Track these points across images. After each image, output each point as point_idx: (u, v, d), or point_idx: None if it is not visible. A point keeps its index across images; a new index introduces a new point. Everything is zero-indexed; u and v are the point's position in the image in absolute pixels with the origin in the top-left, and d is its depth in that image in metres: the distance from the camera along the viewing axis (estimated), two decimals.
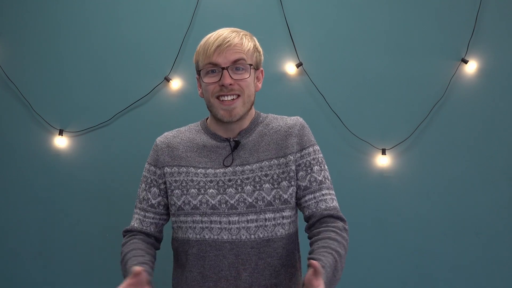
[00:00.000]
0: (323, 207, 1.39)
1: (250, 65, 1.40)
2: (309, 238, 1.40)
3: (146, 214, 1.47)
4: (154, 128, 2.09)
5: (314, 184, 1.42)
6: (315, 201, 1.41)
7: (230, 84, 1.36)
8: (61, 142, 2.10)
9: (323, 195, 1.41)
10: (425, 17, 2.09)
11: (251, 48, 1.41)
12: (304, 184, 1.42)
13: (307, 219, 1.44)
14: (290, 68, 2.09)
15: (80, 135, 2.11)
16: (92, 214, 2.10)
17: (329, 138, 2.08)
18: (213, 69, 1.38)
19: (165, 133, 1.53)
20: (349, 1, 2.10)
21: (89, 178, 2.10)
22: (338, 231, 1.34)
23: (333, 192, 1.44)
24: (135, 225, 1.48)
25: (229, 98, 1.38)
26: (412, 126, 2.07)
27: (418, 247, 2.07)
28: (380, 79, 2.09)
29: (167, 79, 2.09)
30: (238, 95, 1.39)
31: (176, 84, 2.10)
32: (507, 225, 2.06)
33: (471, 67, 2.06)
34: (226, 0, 2.11)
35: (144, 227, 1.47)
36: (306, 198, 1.42)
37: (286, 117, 1.50)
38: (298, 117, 1.50)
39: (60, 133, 2.10)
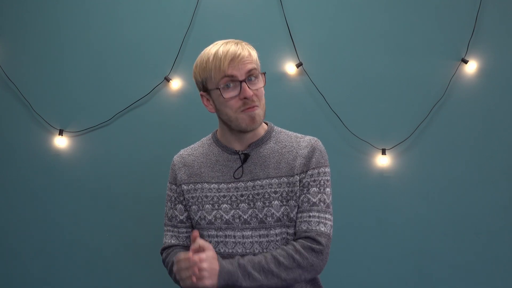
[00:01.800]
0: (304, 228, 1.39)
1: (263, 73, 1.43)
2: None
3: (179, 230, 1.53)
4: (154, 128, 2.09)
5: (306, 204, 1.41)
6: (300, 221, 1.41)
7: (252, 95, 1.38)
8: (61, 142, 2.10)
9: (309, 216, 1.40)
10: (425, 17, 2.09)
11: (257, 57, 1.44)
12: (297, 203, 1.43)
13: (293, 234, 1.44)
14: (290, 68, 2.09)
15: (80, 135, 2.11)
16: (92, 214, 2.10)
17: (329, 138, 2.08)
18: (229, 83, 1.38)
19: (181, 152, 1.56)
20: (349, 1, 2.10)
21: (89, 178, 2.10)
22: (298, 246, 1.35)
23: (326, 216, 1.41)
24: (173, 241, 1.53)
25: (250, 107, 1.40)
26: (412, 126, 2.07)
27: (418, 247, 2.07)
28: (380, 79, 2.09)
29: (167, 79, 2.09)
30: (257, 106, 1.40)
31: (176, 84, 2.10)
32: (507, 225, 2.06)
33: (471, 67, 2.06)
34: (226, 0, 2.11)
35: (181, 242, 1.53)
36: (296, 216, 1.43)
37: (301, 136, 1.50)
38: (313, 139, 1.48)
39: (60, 133, 2.10)
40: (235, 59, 1.37)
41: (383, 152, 2.07)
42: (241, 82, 1.37)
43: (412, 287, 2.07)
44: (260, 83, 1.41)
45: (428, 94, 2.07)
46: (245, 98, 1.37)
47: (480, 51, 2.07)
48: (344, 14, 2.10)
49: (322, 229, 1.39)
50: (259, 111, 1.41)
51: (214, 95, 1.42)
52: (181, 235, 1.53)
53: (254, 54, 1.43)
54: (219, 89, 1.39)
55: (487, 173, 2.06)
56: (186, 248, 1.53)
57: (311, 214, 1.40)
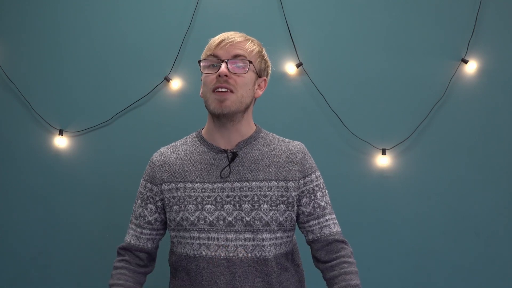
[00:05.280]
0: (327, 232, 1.44)
1: (250, 62, 1.39)
2: (322, 270, 1.44)
3: (143, 230, 1.48)
4: (154, 128, 2.09)
5: (318, 210, 1.44)
6: (319, 226, 1.44)
7: (226, 76, 1.35)
8: (61, 142, 2.10)
9: (326, 220, 1.45)
10: (425, 17, 2.09)
11: (255, 51, 1.42)
12: (308, 210, 1.44)
13: (310, 242, 1.47)
14: (290, 68, 2.09)
15: (80, 135, 2.11)
16: (92, 214, 2.10)
17: (329, 138, 2.08)
18: (213, 63, 1.39)
19: (161, 149, 1.52)
20: (349, 1, 2.10)
21: (89, 178, 2.10)
22: (349, 260, 1.41)
23: (335, 216, 1.48)
24: (132, 241, 1.48)
25: (223, 90, 1.37)
26: (412, 126, 2.07)
27: (418, 247, 2.07)
28: (380, 79, 2.09)
29: (167, 79, 2.09)
30: (232, 91, 1.37)
31: (176, 84, 2.10)
32: (507, 225, 2.06)
33: (471, 67, 2.06)
34: (226, 0, 2.11)
35: (141, 244, 1.48)
36: (310, 223, 1.45)
37: (288, 140, 1.50)
38: (300, 144, 1.49)
39: (60, 133, 2.10)
40: (225, 40, 1.38)
41: (383, 152, 2.07)
42: (222, 61, 1.37)
43: (412, 287, 2.07)
44: (243, 71, 1.38)
45: (428, 94, 2.07)
46: (219, 75, 1.36)
47: (480, 51, 2.07)
48: (344, 14, 2.10)
49: (339, 229, 1.46)
50: (232, 97, 1.37)
51: (201, 70, 1.43)
52: (143, 236, 1.47)
53: (252, 47, 1.41)
54: (200, 61, 1.41)
55: (487, 173, 2.06)
56: (144, 251, 1.48)
57: (326, 218, 1.45)
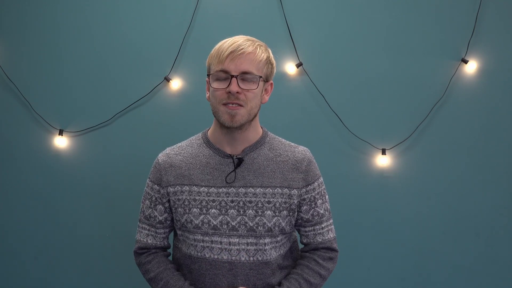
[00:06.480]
0: (320, 240, 1.49)
1: (260, 77, 1.39)
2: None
3: (157, 230, 1.50)
4: (154, 128, 2.09)
5: (316, 217, 1.48)
6: (313, 233, 1.49)
7: (237, 92, 1.35)
8: (61, 142, 2.10)
9: (322, 228, 1.49)
10: (425, 17, 2.09)
11: (264, 59, 1.40)
12: (306, 217, 1.48)
13: (303, 244, 1.53)
14: (290, 68, 2.09)
15: (80, 135, 2.11)
16: (92, 214, 2.10)
17: (329, 138, 2.08)
18: (222, 76, 1.38)
19: (167, 150, 1.52)
20: (349, 1, 2.10)
21: (89, 178, 2.10)
22: (320, 260, 1.47)
23: (331, 221, 1.52)
24: (149, 241, 1.50)
25: (233, 105, 1.37)
26: (412, 126, 2.07)
27: (418, 247, 2.07)
28: (380, 79, 2.09)
29: (167, 79, 2.09)
30: (242, 106, 1.37)
31: (176, 84, 2.10)
32: (507, 225, 2.06)
33: (471, 67, 2.06)
34: (226, 0, 2.11)
35: (159, 243, 1.51)
36: (307, 229, 1.50)
37: (294, 145, 1.50)
38: (306, 150, 1.50)
39: (60, 133, 2.10)
40: (234, 52, 1.36)
41: (383, 152, 2.07)
42: (232, 76, 1.36)
43: (412, 287, 2.07)
44: (253, 86, 1.38)
45: (428, 94, 2.07)
46: (229, 92, 1.35)
47: (480, 51, 2.07)
48: (344, 14, 2.10)
49: (332, 235, 1.51)
50: (242, 112, 1.38)
51: (210, 83, 1.42)
52: (158, 235, 1.51)
53: (261, 55, 1.39)
54: (209, 75, 1.41)
55: (487, 173, 2.07)
56: (162, 248, 1.53)
57: (322, 225, 1.49)
